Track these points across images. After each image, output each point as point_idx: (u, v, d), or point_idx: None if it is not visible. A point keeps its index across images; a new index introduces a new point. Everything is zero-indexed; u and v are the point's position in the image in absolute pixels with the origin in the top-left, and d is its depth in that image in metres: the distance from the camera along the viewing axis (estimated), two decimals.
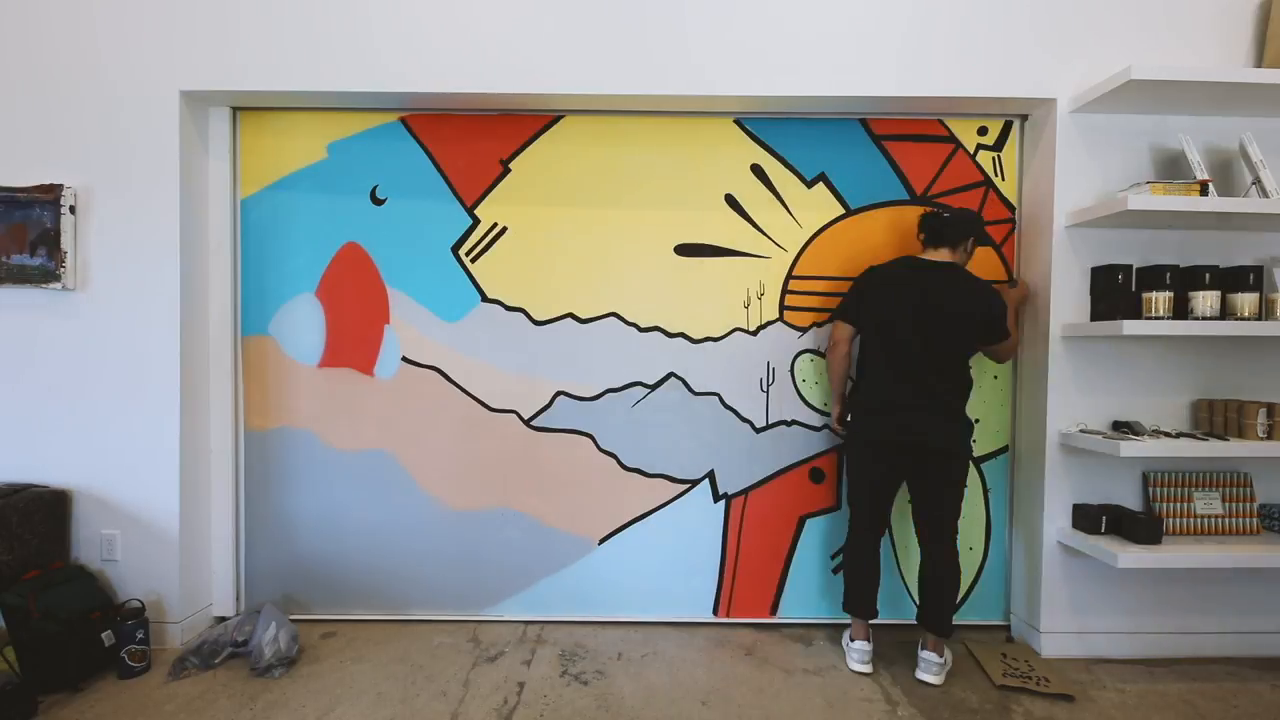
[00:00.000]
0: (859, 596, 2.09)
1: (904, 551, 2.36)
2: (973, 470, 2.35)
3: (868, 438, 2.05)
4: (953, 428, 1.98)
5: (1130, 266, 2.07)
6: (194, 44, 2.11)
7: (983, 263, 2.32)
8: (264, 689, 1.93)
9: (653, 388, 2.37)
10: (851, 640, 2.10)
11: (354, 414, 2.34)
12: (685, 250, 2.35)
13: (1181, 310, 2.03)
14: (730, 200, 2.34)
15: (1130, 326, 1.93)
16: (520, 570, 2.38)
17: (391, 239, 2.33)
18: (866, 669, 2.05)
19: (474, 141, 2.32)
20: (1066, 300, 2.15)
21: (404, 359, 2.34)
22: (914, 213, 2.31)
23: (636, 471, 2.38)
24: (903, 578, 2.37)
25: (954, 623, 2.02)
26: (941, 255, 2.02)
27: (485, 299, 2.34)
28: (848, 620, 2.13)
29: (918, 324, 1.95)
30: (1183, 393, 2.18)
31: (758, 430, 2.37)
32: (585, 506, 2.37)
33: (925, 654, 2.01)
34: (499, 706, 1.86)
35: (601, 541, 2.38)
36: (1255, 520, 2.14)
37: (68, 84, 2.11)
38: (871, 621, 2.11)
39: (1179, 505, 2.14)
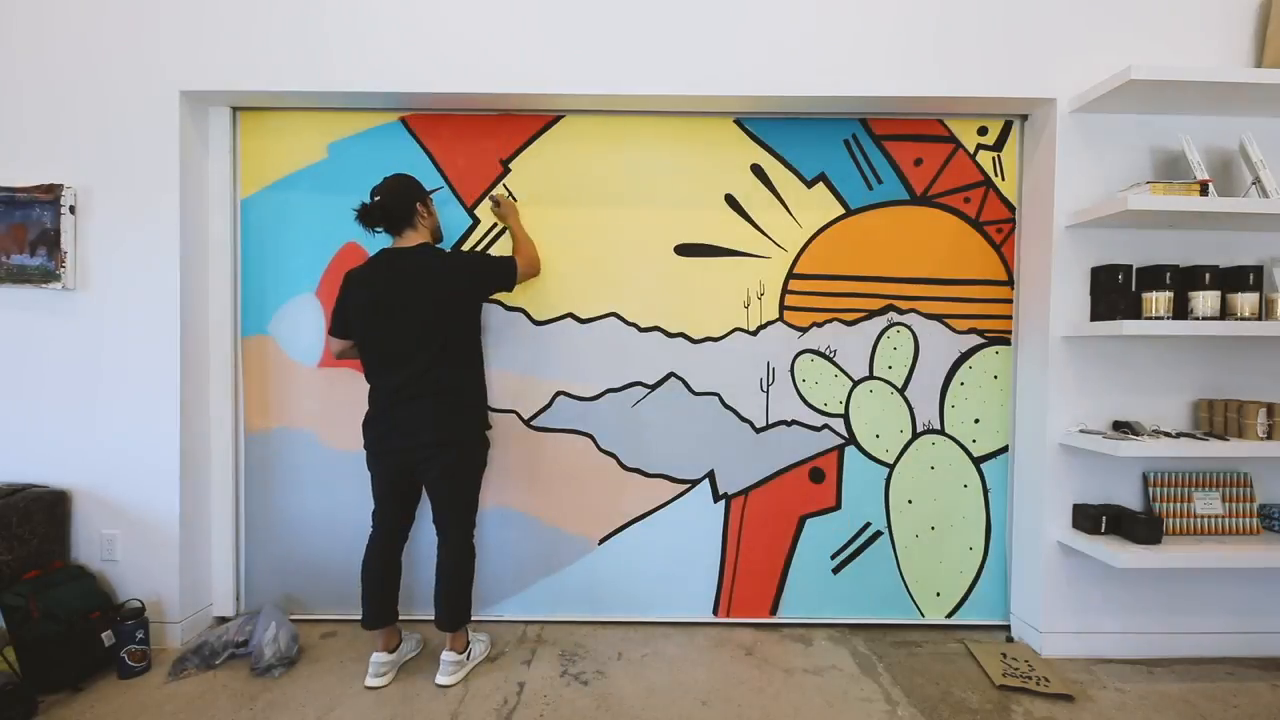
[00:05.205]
0: (371, 605, 1.98)
1: (904, 552, 2.36)
2: (973, 470, 2.36)
3: (367, 447, 2.00)
4: (445, 425, 1.92)
5: (1130, 266, 2.07)
6: (194, 44, 2.11)
7: (983, 262, 2.33)
8: (264, 689, 1.93)
9: (653, 388, 2.36)
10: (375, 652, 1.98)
11: (354, 414, 2.32)
12: (685, 250, 2.35)
13: (1181, 310, 2.03)
14: (730, 200, 2.34)
15: (1130, 326, 1.93)
16: (520, 570, 2.38)
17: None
18: (379, 682, 1.94)
19: (474, 141, 2.32)
20: (1066, 300, 2.15)
21: None
22: (914, 213, 2.33)
23: (636, 471, 2.37)
24: (902, 577, 2.36)
25: (471, 616, 2.01)
26: (408, 240, 1.96)
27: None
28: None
29: (394, 320, 1.89)
30: (1183, 393, 2.18)
31: (758, 430, 2.37)
32: (585, 506, 2.37)
33: (444, 654, 1.98)
34: (499, 706, 1.86)
35: (601, 541, 2.38)
36: (1255, 520, 2.14)
37: (68, 84, 2.11)
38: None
39: (1179, 505, 2.14)
